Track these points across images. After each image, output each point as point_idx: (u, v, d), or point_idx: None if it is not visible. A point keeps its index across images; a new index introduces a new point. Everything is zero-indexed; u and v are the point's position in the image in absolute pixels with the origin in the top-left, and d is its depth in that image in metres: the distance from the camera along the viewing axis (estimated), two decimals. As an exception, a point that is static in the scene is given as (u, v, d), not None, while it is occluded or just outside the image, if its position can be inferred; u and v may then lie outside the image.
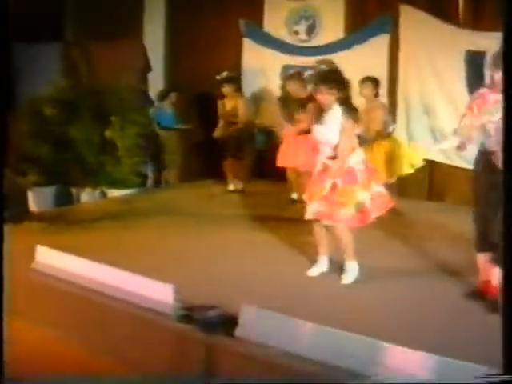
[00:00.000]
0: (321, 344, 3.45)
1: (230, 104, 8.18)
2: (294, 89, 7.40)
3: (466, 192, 7.83)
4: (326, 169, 4.91)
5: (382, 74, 8.33)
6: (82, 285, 4.61)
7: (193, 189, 8.51)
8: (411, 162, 7.19)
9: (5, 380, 3.08)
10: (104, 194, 8.13)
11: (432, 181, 8.40)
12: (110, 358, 4.14)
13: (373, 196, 4.91)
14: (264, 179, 8.65)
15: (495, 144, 4.20)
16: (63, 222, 6.57)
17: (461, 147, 4.42)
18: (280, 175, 7.79)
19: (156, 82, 9.60)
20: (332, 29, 8.79)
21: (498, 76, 4.14)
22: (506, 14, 3.11)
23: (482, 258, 4.50)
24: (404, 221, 6.87)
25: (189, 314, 4.02)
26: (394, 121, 7.92)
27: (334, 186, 4.85)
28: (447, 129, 8.03)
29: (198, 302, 4.18)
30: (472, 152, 7.47)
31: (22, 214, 7.10)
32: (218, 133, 8.19)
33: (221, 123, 8.27)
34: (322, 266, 5.11)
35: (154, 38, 9.73)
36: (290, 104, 7.40)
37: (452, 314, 4.25)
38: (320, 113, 4.91)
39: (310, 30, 9.01)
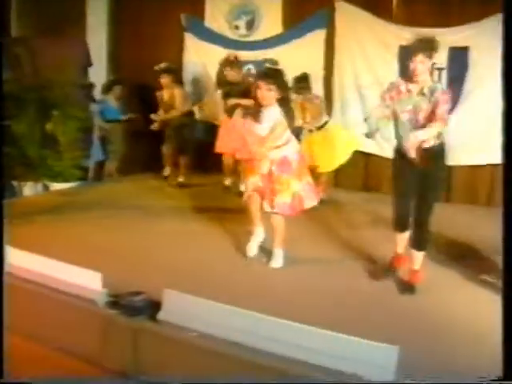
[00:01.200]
0: (234, 325, 3.66)
1: (168, 94, 8.35)
2: (231, 74, 7.56)
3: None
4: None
5: (318, 67, 8.63)
6: (18, 275, 4.72)
7: (134, 182, 8.63)
8: (346, 150, 7.46)
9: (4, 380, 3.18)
10: (46, 188, 8.20)
11: (367, 172, 8.70)
12: (47, 344, 4.28)
13: (304, 186, 5.16)
14: (206, 171, 8.82)
15: (408, 133, 4.46)
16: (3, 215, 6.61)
17: (369, 135, 4.64)
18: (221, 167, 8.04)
19: (99, 75, 9.66)
20: (271, 24, 9.03)
21: (412, 64, 4.39)
22: (505, 12, 3.32)
23: (398, 237, 4.81)
24: (336, 210, 7.14)
25: (116, 301, 4.17)
26: (329, 113, 8.20)
27: (270, 172, 5.10)
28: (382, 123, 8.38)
29: (128, 289, 4.33)
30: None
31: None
32: (156, 125, 8.32)
33: (159, 114, 8.40)
34: (259, 236, 5.38)
35: (97, 31, 9.83)
36: (227, 88, 7.57)
37: (366, 296, 4.50)
38: (257, 109, 5.09)
39: (250, 25, 9.22)
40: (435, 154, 4.48)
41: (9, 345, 4.19)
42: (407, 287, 4.66)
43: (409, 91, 4.46)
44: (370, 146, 8.24)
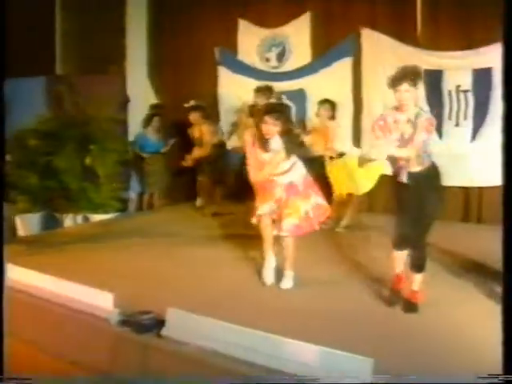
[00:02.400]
0: (233, 341, 3.86)
1: (197, 131, 8.69)
2: (262, 100, 7.81)
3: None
4: (271, 182, 5.42)
5: (346, 95, 8.83)
6: (42, 296, 5.07)
7: (171, 212, 8.95)
8: (370, 176, 7.60)
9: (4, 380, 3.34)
10: (87, 219, 8.60)
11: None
12: (63, 358, 4.58)
13: (313, 206, 5.39)
14: (242, 200, 9.06)
15: (397, 162, 4.66)
16: (42, 245, 7.03)
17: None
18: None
19: (140, 111, 10.08)
20: (300, 54, 9.35)
21: (398, 94, 4.56)
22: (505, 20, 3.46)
23: (398, 255, 4.92)
24: (359, 234, 7.30)
25: (127, 319, 4.44)
26: (357, 144, 8.40)
27: (279, 199, 5.36)
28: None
29: (143, 308, 4.60)
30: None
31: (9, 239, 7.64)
32: (188, 161, 8.64)
33: (193, 151, 8.74)
34: (271, 262, 5.55)
35: (137, 68, 10.29)
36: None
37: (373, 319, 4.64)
38: (262, 140, 5.38)
39: (280, 57, 9.55)
40: (425, 178, 4.61)
41: (28, 357, 4.56)
42: (410, 306, 4.75)
43: (396, 122, 4.61)
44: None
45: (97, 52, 9.86)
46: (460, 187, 8.33)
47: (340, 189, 7.50)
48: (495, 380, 2.97)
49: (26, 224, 8.40)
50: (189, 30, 9.88)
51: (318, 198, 5.49)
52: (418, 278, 4.81)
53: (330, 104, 7.70)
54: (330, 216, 5.96)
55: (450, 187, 8.24)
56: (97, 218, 8.60)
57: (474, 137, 8.18)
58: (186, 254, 6.48)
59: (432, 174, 4.67)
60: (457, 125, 8.27)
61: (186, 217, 8.53)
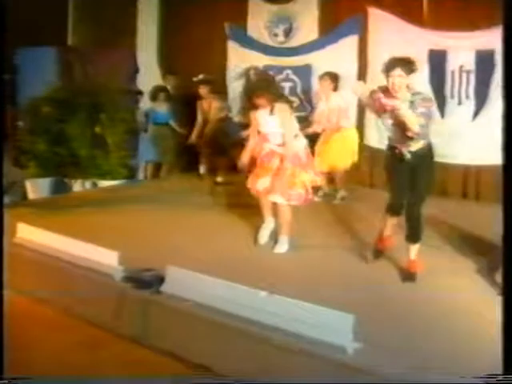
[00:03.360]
0: (227, 297, 4.13)
1: (206, 104, 8.89)
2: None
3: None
4: (272, 153, 5.66)
5: (351, 71, 8.99)
6: (51, 254, 5.36)
7: (179, 181, 9.18)
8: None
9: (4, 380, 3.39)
10: (95, 185, 8.87)
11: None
12: (70, 314, 4.87)
13: (311, 177, 5.73)
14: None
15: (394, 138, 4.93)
16: (50, 207, 7.30)
17: None
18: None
19: (150, 82, 10.27)
20: (307, 30, 9.48)
21: (391, 79, 4.71)
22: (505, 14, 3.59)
23: (389, 221, 5.24)
24: (354, 205, 7.55)
25: (130, 276, 4.72)
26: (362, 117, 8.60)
27: (280, 168, 5.62)
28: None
29: (146, 266, 4.86)
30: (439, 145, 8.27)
31: (19, 201, 7.95)
32: (193, 138, 8.87)
33: (197, 124, 8.93)
34: (269, 225, 5.90)
35: (148, 41, 10.51)
36: None
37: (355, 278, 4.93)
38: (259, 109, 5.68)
39: (288, 32, 9.68)
40: (422, 156, 4.89)
41: (35, 311, 4.84)
42: (408, 276, 4.99)
43: (387, 106, 4.78)
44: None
45: (108, 25, 10.05)
46: (460, 165, 8.51)
47: (332, 161, 7.67)
48: (494, 380, 3.04)
49: (36, 188, 8.67)
50: (200, 5, 10.02)
51: (313, 173, 5.78)
52: (414, 248, 5.05)
53: (330, 76, 7.83)
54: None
55: (450, 164, 8.55)
56: (105, 184, 8.85)
57: (475, 116, 8.33)
58: (188, 219, 6.75)
59: (427, 153, 4.92)
60: (459, 103, 8.43)
61: (191, 185, 8.74)
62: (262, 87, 5.69)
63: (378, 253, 5.36)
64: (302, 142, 5.76)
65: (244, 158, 5.88)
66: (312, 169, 5.81)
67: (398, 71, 4.65)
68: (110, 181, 8.85)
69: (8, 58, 8.91)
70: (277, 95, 5.71)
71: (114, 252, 4.85)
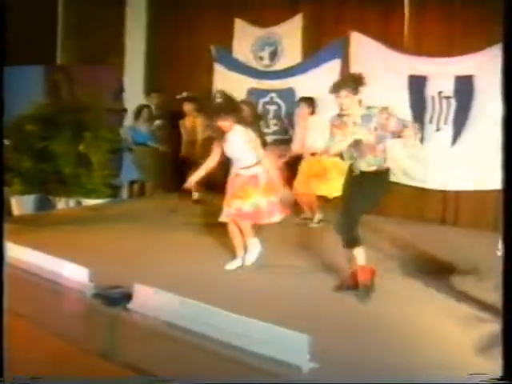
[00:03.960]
0: (188, 315, 4.22)
1: (189, 122, 9.01)
2: None
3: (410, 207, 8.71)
4: (237, 176, 5.75)
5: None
6: (26, 269, 5.45)
7: (162, 200, 9.27)
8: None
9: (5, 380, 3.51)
10: (79, 204, 8.97)
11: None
12: (43, 329, 4.94)
13: (269, 203, 5.79)
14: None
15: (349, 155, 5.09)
16: (33, 224, 7.41)
17: None
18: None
19: (136, 101, 10.40)
20: (291, 54, 9.63)
21: (339, 100, 4.92)
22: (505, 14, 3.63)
23: (349, 253, 5.24)
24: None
25: (99, 292, 4.80)
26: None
27: (243, 189, 5.78)
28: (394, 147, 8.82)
29: (113, 283, 4.95)
30: (416, 170, 8.36)
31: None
32: (182, 151, 8.99)
33: (184, 141, 9.06)
34: (238, 261, 5.94)
35: (136, 60, 10.65)
36: None
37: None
38: (223, 134, 5.81)
39: (273, 56, 9.85)
40: (377, 176, 5.02)
41: (10, 326, 4.90)
42: (363, 288, 5.03)
43: (344, 124, 4.96)
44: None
45: (96, 43, 10.21)
46: (439, 190, 8.62)
47: (301, 187, 7.76)
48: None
49: (21, 205, 8.79)
50: (187, 27, 10.23)
51: (274, 198, 5.83)
52: (358, 253, 5.08)
53: (305, 101, 7.99)
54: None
55: (429, 190, 8.67)
56: (89, 202, 8.95)
57: (453, 142, 8.45)
58: (164, 238, 6.88)
59: (382, 174, 5.04)
60: (437, 130, 8.55)
61: (174, 204, 8.82)
62: (226, 110, 5.76)
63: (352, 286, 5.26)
64: (264, 167, 5.82)
65: (194, 178, 6.08)
66: (271, 195, 5.83)
67: (343, 93, 4.83)
68: (94, 199, 8.94)
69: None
70: (238, 118, 5.81)
71: (84, 268, 4.93)
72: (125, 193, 9.87)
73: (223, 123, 5.71)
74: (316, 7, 9.33)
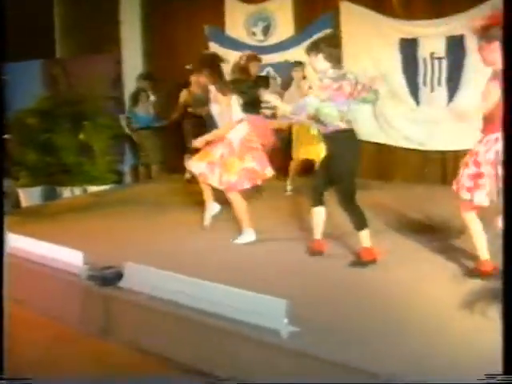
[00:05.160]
0: (177, 289, 4.36)
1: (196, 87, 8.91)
2: (255, 69, 8.04)
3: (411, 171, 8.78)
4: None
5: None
6: (26, 257, 5.64)
7: (166, 182, 9.40)
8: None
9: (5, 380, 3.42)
10: (85, 191, 9.16)
11: (379, 161, 9.16)
12: (41, 312, 5.15)
13: (246, 168, 5.87)
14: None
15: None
16: (38, 214, 7.60)
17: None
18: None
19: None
20: (284, 28, 9.71)
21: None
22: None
23: (315, 215, 5.35)
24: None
25: (93, 274, 4.96)
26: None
27: (221, 156, 5.88)
28: (389, 113, 8.88)
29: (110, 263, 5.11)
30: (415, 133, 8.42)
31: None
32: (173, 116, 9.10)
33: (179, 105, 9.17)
34: (211, 209, 6.20)
35: (132, 45, 10.77)
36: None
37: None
38: (206, 92, 5.99)
39: (266, 31, 9.92)
40: (339, 140, 4.99)
41: (11, 312, 5.10)
42: (359, 262, 5.06)
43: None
44: (378, 136, 8.81)
45: (93, 34, 10.34)
46: (437, 151, 8.66)
47: (298, 153, 7.88)
48: (494, 381, 2.93)
49: (28, 196, 8.99)
50: (180, 10, 10.32)
51: (253, 163, 5.90)
52: (363, 235, 5.04)
53: (300, 64, 8.11)
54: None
55: (428, 151, 8.72)
56: (94, 189, 9.14)
57: (448, 102, 8.47)
58: (164, 219, 7.00)
59: (346, 138, 5.00)
60: (432, 91, 8.58)
61: (177, 186, 8.94)
62: (205, 64, 5.92)
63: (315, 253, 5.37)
64: (239, 132, 5.88)
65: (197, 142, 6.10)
66: (247, 160, 5.88)
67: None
68: (99, 186, 9.11)
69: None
70: (218, 77, 5.89)
71: (79, 252, 5.08)
72: (128, 178, 9.98)
73: (201, 78, 5.88)
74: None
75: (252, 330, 3.83)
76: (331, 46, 4.95)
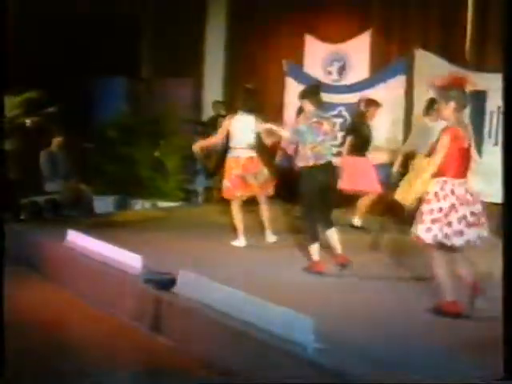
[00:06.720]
0: (222, 299, 4.76)
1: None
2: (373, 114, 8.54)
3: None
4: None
5: (399, 109, 9.50)
6: (92, 256, 6.18)
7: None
8: None
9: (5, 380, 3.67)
10: (155, 206, 9.70)
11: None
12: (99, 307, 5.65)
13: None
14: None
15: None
16: (111, 222, 8.16)
17: None
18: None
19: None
20: (359, 70, 10.06)
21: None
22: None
23: (314, 247, 5.97)
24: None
25: (150, 278, 5.43)
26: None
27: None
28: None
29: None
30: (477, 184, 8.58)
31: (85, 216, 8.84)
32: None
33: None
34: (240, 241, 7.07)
35: (213, 73, 11.37)
36: None
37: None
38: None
39: (341, 71, 10.30)
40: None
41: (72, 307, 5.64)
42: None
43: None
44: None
45: (177, 58, 10.97)
46: (495, 203, 8.78)
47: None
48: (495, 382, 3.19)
49: (102, 204, 9.57)
50: (262, 43, 10.82)
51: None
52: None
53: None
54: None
55: (487, 203, 8.83)
56: (164, 205, 9.67)
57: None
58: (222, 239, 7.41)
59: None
60: (495, 144, 8.74)
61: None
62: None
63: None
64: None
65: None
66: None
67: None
68: (168, 202, 9.63)
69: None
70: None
71: (138, 256, 5.56)
72: (198, 198, 10.45)
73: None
74: (383, 23, 9.75)
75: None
76: (317, 94, 6.28)
